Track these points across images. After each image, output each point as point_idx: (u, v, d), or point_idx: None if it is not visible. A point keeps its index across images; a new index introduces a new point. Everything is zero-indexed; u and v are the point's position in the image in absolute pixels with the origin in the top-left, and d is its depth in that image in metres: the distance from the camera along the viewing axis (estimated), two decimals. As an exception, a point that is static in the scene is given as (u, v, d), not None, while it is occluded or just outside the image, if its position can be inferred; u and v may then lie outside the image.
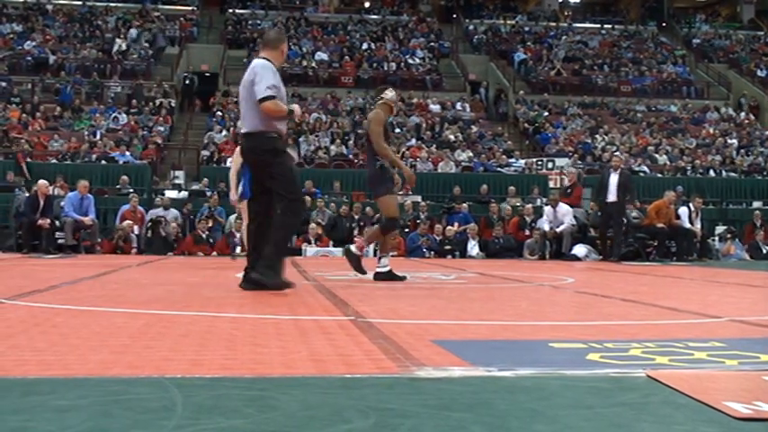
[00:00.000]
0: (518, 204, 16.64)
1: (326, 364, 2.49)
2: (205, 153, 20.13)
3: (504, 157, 20.78)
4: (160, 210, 14.92)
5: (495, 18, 34.41)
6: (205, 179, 17.82)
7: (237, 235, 14.59)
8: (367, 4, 35.47)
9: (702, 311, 4.44)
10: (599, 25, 34.84)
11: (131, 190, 16.26)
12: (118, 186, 16.73)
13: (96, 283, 6.60)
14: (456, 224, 15.52)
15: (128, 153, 19.06)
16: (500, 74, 29.19)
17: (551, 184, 17.68)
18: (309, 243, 14.69)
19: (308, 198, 14.29)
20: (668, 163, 22.00)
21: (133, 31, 28.03)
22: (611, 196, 13.25)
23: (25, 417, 1.74)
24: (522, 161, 20.75)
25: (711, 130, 25.52)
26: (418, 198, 16.54)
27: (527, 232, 15.20)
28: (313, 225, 14.84)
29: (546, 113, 25.85)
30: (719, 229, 16.54)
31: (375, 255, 12.35)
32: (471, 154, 21.29)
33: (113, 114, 22.51)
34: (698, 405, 1.94)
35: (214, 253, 14.12)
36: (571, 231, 14.30)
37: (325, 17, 32.71)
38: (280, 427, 1.71)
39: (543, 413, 1.87)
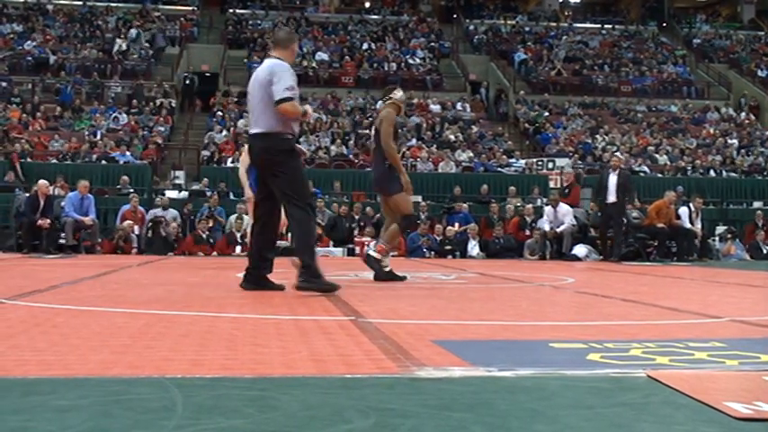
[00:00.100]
0: (518, 204, 16.64)
1: (327, 364, 2.49)
2: (205, 153, 20.13)
3: (504, 157, 20.78)
4: (159, 210, 14.92)
5: (495, 18, 34.41)
6: (205, 179, 17.81)
7: (238, 234, 14.63)
8: (367, 5, 35.48)
9: (703, 312, 4.44)
10: (599, 25, 34.85)
11: (132, 190, 16.26)
12: (118, 186, 16.73)
13: (97, 283, 6.60)
14: (456, 224, 15.51)
15: (128, 153, 19.06)
16: (500, 74, 29.18)
17: (552, 185, 17.68)
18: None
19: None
20: (668, 163, 22.00)
21: (133, 31, 28.02)
22: (611, 197, 13.26)
23: (26, 417, 1.74)
24: (523, 161, 20.75)
25: (712, 131, 25.52)
26: (419, 198, 16.55)
27: (527, 232, 15.20)
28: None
29: (546, 113, 25.85)
30: (720, 229, 16.54)
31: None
32: (472, 154, 21.29)
33: (114, 114, 22.51)
34: (698, 405, 1.94)
35: (214, 253, 14.12)
36: (571, 231, 14.31)
37: (326, 17, 32.72)
38: (280, 427, 1.71)
39: (544, 413, 1.87)
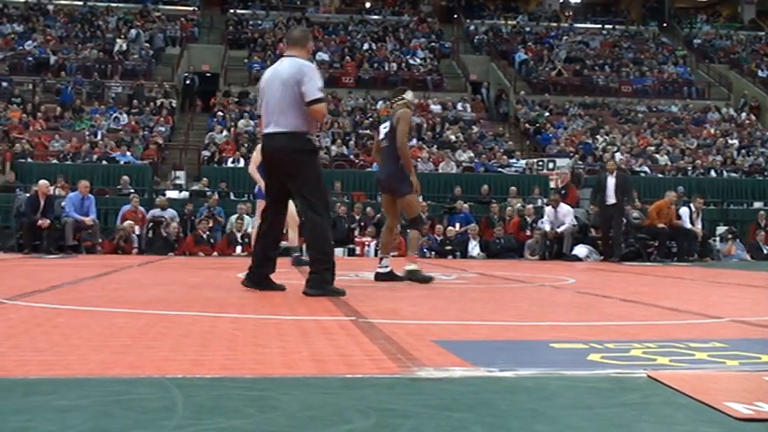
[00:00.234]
0: (519, 205, 16.64)
1: (327, 364, 2.49)
2: (206, 153, 20.13)
3: (504, 157, 20.77)
4: (157, 210, 14.92)
5: (495, 18, 34.42)
6: (204, 179, 17.82)
7: (238, 234, 14.62)
8: (368, 5, 35.49)
9: (703, 312, 4.44)
10: (600, 26, 34.85)
11: (132, 190, 16.27)
12: (119, 187, 16.73)
13: (97, 283, 6.60)
14: (457, 224, 15.52)
15: (129, 153, 19.06)
16: (501, 74, 29.18)
17: (552, 185, 17.69)
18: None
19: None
20: (669, 163, 21.99)
21: (133, 32, 28.03)
22: (610, 199, 13.33)
23: (26, 417, 1.74)
24: (523, 161, 20.76)
25: (712, 131, 25.52)
26: (419, 198, 16.53)
27: (528, 232, 15.21)
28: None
29: (547, 114, 25.85)
30: (720, 229, 16.55)
31: (376, 255, 12.36)
32: (472, 154, 21.29)
33: (114, 114, 22.52)
34: (699, 405, 1.94)
35: (215, 253, 14.12)
36: (572, 232, 14.32)
37: (326, 17, 32.73)
38: (280, 427, 1.71)
39: (544, 413, 1.87)
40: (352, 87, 26.65)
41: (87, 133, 20.99)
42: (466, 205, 16.31)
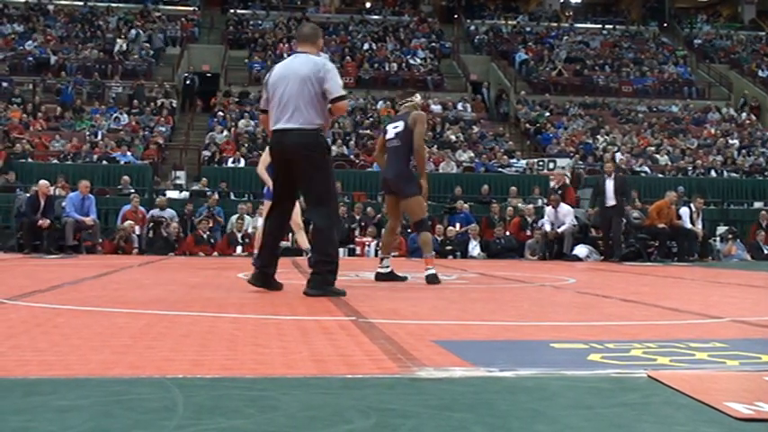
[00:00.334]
0: (519, 205, 16.65)
1: (327, 364, 2.49)
2: (206, 153, 20.14)
3: (505, 157, 20.77)
4: (156, 210, 14.93)
5: (496, 18, 34.42)
6: (204, 179, 17.83)
7: (239, 235, 14.63)
8: (368, 5, 35.48)
9: (704, 312, 4.44)
10: (600, 26, 34.85)
11: (132, 190, 16.28)
12: (119, 187, 16.74)
13: (97, 283, 6.60)
14: (457, 224, 15.52)
15: (129, 153, 19.07)
16: (501, 74, 29.19)
17: (552, 185, 17.67)
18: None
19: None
20: (669, 163, 21.99)
21: (133, 32, 28.04)
22: (610, 201, 13.36)
23: (27, 417, 1.74)
24: (524, 161, 20.76)
25: (713, 131, 25.52)
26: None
27: (528, 233, 15.21)
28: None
29: (547, 114, 25.86)
30: (721, 229, 16.55)
31: (377, 255, 12.37)
32: (472, 154, 21.28)
33: (114, 114, 22.53)
34: (699, 405, 1.94)
35: (215, 253, 14.12)
36: (572, 232, 14.32)
37: (327, 17, 32.72)
38: (281, 427, 1.71)
39: (544, 413, 1.87)
40: (352, 87, 26.60)
41: (88, 133, 21.00)
42: (466, 205, 16.31)
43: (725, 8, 38.78)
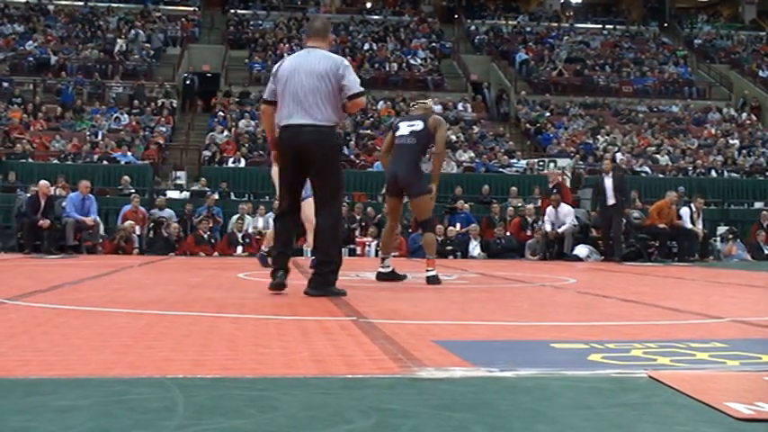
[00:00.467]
0: (519, 205, 16.65)
1: (328, 364, 2.49)
2: (207, 153, 20.14)
3: (505, 157, 20.77)
4: (155, 210, 14.93)
5: (496, 18, 34.41)
6: (203, 179, 17.83)
7: (239, 235, 14.63)
8: (368, 5, 35.48)
9: (704, 312, 4.44)
10: (600, 26, 34.84)
11: (133, 190, 16.28)
12: (119, 187, 16.74)
13: (98, 283, 6.60)
14: (458, 225, 15.51)
15: (129, 153, 19.07)
16: (501, 74, 29.18)
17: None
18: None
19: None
20: (670, 163, 21.99)
21: (133, 32, 28.05)
22: (610, 200, 13.36)
23: (27, 417, 1.74)
24: (524, 161, 20.75)
25: (713, 131, 25.52)
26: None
27: (528, 233, 15.21)
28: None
29: (547, 114, 25.85)
30: (721, 229, 16.55)
31: (377, 255, 12.36)
32: (473, 154, 21.28)
33: (115, 115, 22.53)
34: (699, 406, 1.94)
35: (216, 253, 14.12)
36: (573, 232, 14.32)
37: (327, 17, 32.70)
38: (281, 427, 1.71)
39: (545, 413, 1.87)
40: (352, 87, 26.61)
41: (88, 133, 21.00)
42: (467, 205, 16.31)
43: (725, 8, 38.77)
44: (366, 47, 29.42)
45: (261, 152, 19.19)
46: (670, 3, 37.71)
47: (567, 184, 17.84)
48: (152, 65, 26.92)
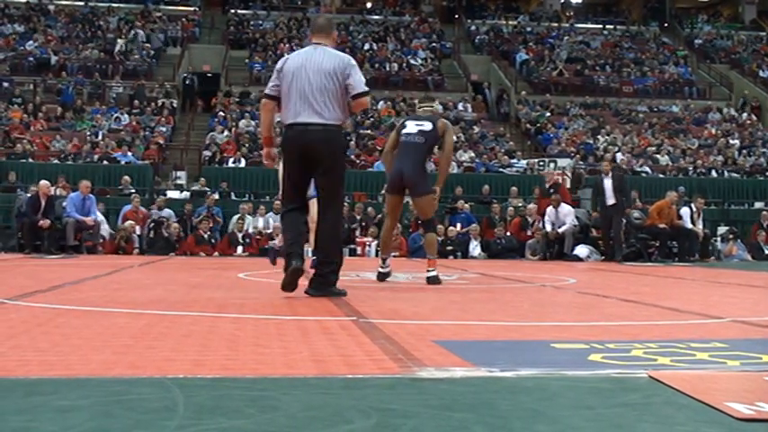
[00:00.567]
0: (520, 205, 16.64)
1: (328, 364, 2.49)
2: (207, 153, 20.14)
3: (505, 157, 20.77)
4: (154, 210, 14.93)
5: (496, 18, 34.41)
6: (202, 179, 17.84)
7: (239, 235, 14.65)
8: (369, 5, 35.47)
9: (704, 312, 4.44)
10: (601, 26, 34.84)
11: (133, 190, 16.28)
12: (120, 187, 16.75)
13: (98, 283, 6.61)
14: (458, 225, 15.51)
15: (129, 153, 19.07)
16: (502, 74, 29.18)
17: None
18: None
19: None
20: (670, 163, 21.99)
21: (133, 32, 28.05)
22: (609, 200, 13.37)
23: (28, 417, 1.74)
24: (524, 162, 20.74)
25: (713, 131, 25.52)
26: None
27: (529, 233, 15.20)
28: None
29: (548, 114, 25.84)
30: (722, 229, 16.55)
31: (377, 255, 12.36)
32: (473, 154, 21.28)
33: (115, 115, 22.53)
34: (700, 406, 1.94)
35: (216, 253, 14.12)
36: (573, 232, 14.32)
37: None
38: (281, 427, 1.71)
39: (545, 413, 1.87)
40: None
41: (88, 133, 21.00)
42: (467, 205, 16.32)
43: (725, 8, 38.76)
44: (366, 47, 29.41)
45: (261, 152, 19.20)
46: (670, 3, 37.71)
47: (568, 184, 17.86)
48: (152, 65, 26.93)
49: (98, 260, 11.31)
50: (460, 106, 25.90)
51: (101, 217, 14.46)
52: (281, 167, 7.87)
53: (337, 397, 2.02)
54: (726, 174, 21.51)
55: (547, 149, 22.74)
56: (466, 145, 22.00)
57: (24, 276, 7.49)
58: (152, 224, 14.54)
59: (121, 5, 30.83)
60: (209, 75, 27.59)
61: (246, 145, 20.13)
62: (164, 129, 22.33)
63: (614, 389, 2.18)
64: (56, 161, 18.64)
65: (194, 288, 5.91)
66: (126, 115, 22.55)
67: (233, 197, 17.30)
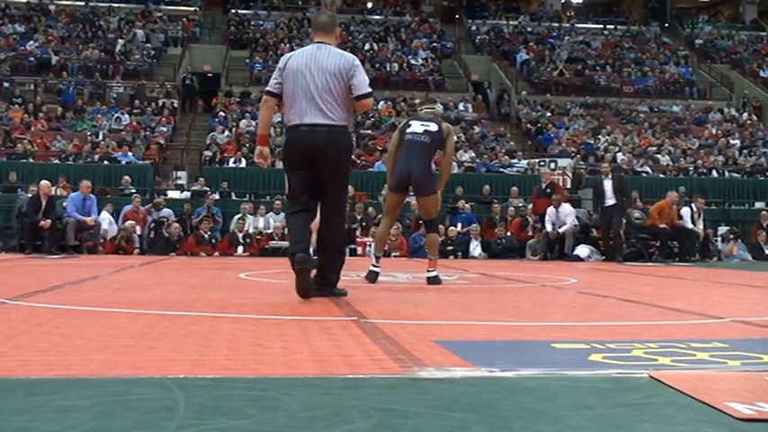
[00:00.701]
0: (520, 205, 16.64)
1: (328, 364, 2.49)
2: (207, 153, 20.15)
3: (506, 157, 20.77)
4: (152, 210, 14.94)
5: (497, 18, 34.42)
6: (202, 179, 17.85)
7: (240, 235, 14.65)
8: (369, 5, 35.48)
9: (705, 312, 4.44)
10: (601, 26, 34.84)
11: (134, 190, 16.29)
12: (120, 187, 16.75)
13: (99, 283, 6.61)
14: (459, 225, 15.51)
15: (130, 153, 19.07)
16: (502, 74, 29.18)
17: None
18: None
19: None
20: (671, 163, 21.98)
21: (134, 32, 28.05)
22: (609, 200, 13.38)
23: (28, 417, 1.74)
24: (525, 162, 20.74)
25: (714, 131, 25.51)
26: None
27: (529, 233, 15.20)
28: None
29: (548, 114, 25.84)
30: (722, 229, 16.55)
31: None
32: (474, 154, 21.28)
33: (116, 115, 22.53)
34: (700, 406, 1.94)
35: (216, 253, 14.11)
36: (573, 232, 14.32)
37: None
38: (282, 427, 1.71)
39: (545, 413, 1.87)
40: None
41: (89, 133, 21.01)
42: (467, 205, 16.32)
43: (726, 8, 38.76)
44: (367, 47, 29.41)
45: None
46: (671, 3, 37.71)
47: (568, 184, 17.86)
48: (153, 65, 26.93)
49: (98, 260, 11.32)
50: (461, 106, 25.90)
51: (110, 218, 14.48)
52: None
53: (338, 397, 2.02)
54: (726, 174, 21.51)
55: (547, 149, 22.74)
56: (466, 145, 21.99)
57: (25, 276, 7.49)
58: (152, 224, 14.54)
59: (122, 5, 30.84)
60: (210, 75, 27.59)
61: (247, 145, 20.12)
62: (164, 129, 22.33)
63: (615, 389, 2.18)
64: (56, 161, 18.65)
65: (195, 288, 5.91)
66: (126, 115, 22.55)
67: (233, 197, 17.30)
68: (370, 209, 15.78)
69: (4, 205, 15.53)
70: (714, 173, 21.44)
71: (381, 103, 24.87)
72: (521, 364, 2.48)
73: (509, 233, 15.33)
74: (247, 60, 27.93)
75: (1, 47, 26.70)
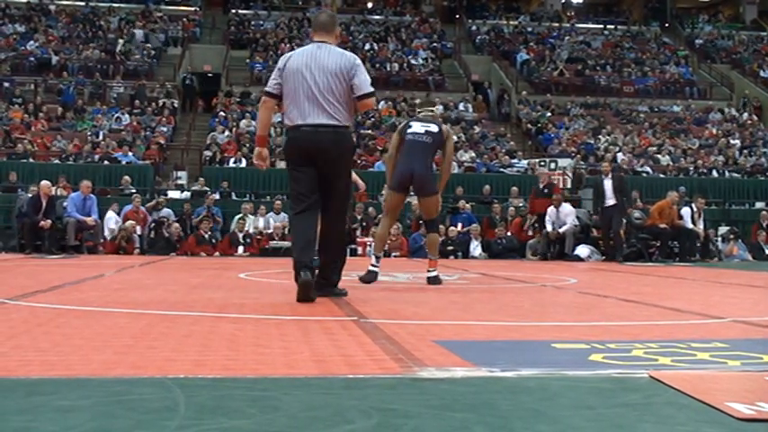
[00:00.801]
0: (520, 205, 16.64)
1: (329, 364, 2.49)
2: (208, 153, 20.15)
3: (506, 157, 20.77)
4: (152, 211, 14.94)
5: (497, 18, 34.41)
6: (201, 179, 17.85)
7: (240, 235, 14.65)
8: (370, 5, 35.47)
9: (705, 312, 4.44)
10: (602, 26, 34.84)
11: (134, 190, 16.28)
12: (120, 187, 16.75)
13: (99, 283, 6.61)
14: (459, 225, 15.51)
15: (130, 153, 19.07)
16: (503, 74, 29.18)
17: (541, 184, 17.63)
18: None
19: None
20: (671, 163, 21.98)
21: (134, 32, 28.05)
22: (609, 200, 13.39)
23: (28, 417, 1.74)
24: (525, 162, 20.74)
25: (714, 131, 25.51)
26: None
27: (530, 233, 15.20)
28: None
29: (548, 114, 25.84)
30: (722, 229, 16.56)
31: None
32: (474, 154, 21.27)
33: (116, 115, 22.53)
34: (700, 406, 1.94)
35: (217, 253, 14.11)
36: (574, 232, 14.32)
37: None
38: (282, 427, 1.71)
39: (546, 413, 1.87)
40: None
41: (89, 133, 21.00)
42: (468, 205, 16.32)
43: (726, 8, 38.75)
44: (367, 47, 29.40)
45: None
46: (671, 3, 37.70)
47: (568, 184, 17.85)
48: (153, 65, 26.93)
49: (99, 260, 11.32)
50: (461, 106, 25.90)
51: (116, 217, 14.48)
52: None
53: (338, 397, 2.02)
54: (726, 174, 21.51)
55: (547, 149, 22.74)
56: (467, 145, 21.99)
57: (25, 276, 7.49)
58: (153, 224, 14.55)
59: (122, 5, 30.84)
60: (210, 75, 27.59)
61: (247, 145, 20.12)
62: (164, 129, 22.33)
63: (615, 389, 2.18)
64: (56, 161, 18.64)
65: (195, 288, 5.92)
66: (127, 115, 22.55)
67: (234, 197, 17.30)
68: (370, 209, 15.78)
69: (5, 205, 15.53)
70: (714, 173, 21.44)
71: (382, 103, 24.86)
72: (521, 364, 2.48)
73: (509, 233, 15.33)
74: (247, 60, 27.94)
75: (1, 47, 26.70)
